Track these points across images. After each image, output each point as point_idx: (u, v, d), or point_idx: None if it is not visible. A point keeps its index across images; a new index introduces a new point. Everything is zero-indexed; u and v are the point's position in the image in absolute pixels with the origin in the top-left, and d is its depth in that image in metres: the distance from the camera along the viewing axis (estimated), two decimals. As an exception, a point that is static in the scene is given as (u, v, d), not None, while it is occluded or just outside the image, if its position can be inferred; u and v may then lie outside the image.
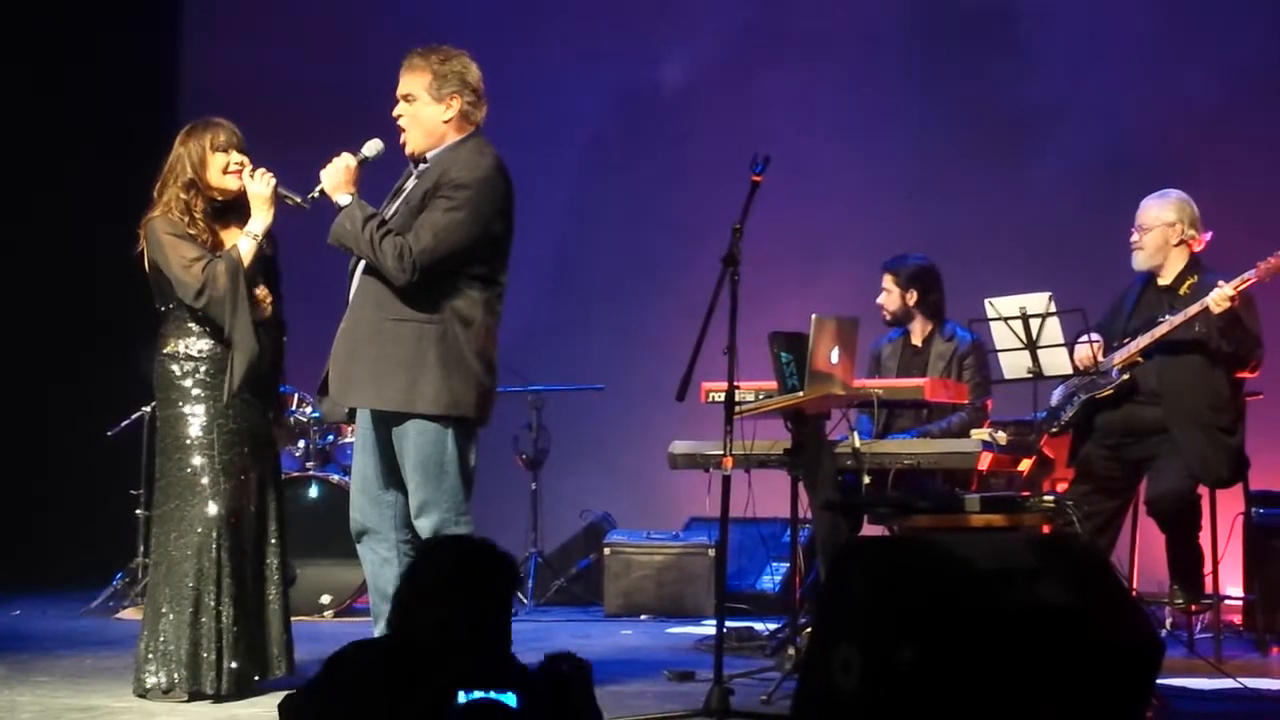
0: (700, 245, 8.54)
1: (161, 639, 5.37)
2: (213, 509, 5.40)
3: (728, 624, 5.87)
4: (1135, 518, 6.84)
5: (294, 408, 8.14)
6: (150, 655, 5.38)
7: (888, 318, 7.31)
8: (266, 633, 5.52)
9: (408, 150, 5.37)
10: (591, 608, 8.34)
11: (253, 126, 9.25)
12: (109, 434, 8.18)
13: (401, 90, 5.35)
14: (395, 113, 5.38)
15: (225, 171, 5.50)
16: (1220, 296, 6.35)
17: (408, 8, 9.58)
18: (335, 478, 7.99)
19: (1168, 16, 8.88)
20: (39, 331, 9.29)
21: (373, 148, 5.40)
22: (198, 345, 5.46)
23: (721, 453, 5.52)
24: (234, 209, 5.53)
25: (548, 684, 3.35)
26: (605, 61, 9.61)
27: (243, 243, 5.44)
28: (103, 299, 8.32)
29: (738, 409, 5.48)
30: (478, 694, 2.81)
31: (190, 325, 5.46)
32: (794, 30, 9.41)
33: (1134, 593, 6.45)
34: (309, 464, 8.12)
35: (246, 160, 5.53)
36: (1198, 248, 6.68)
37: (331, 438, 8.21)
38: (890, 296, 7.28)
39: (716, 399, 6.48)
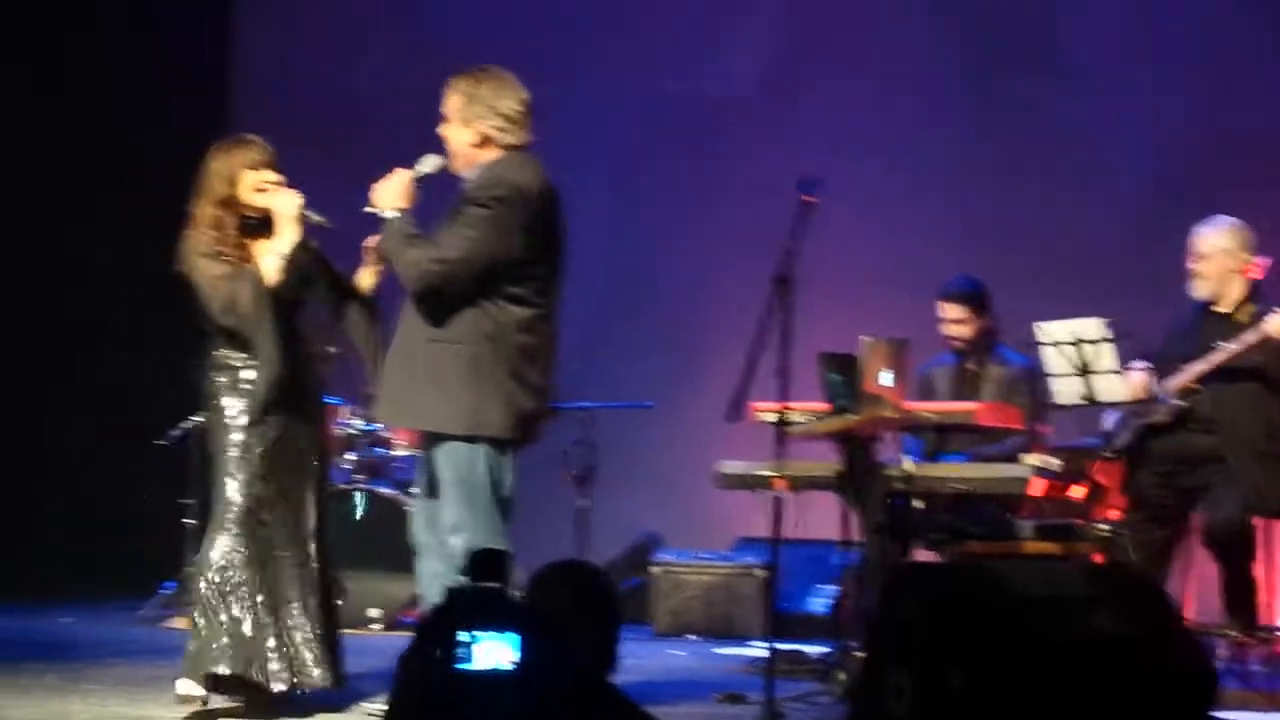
0: (748, 262, 8.53)
1: (200, 648, 5.40)
2: (244, 516, 5.43)
3: (776, 646, 5.84)
4: (1189, 548, 6.78)
5: (343, 420, 8.15)
6: (200, 651, 5.41)
7: (961, 345, 7.23)
8: (294, 640, 5.51)
9: (453, 168, 5.41)
10: (639, 626, 8.32)
11: (303, 133, 9.42)
12: (158, 443, 8.22)
13: (443, 109, 5.41)
14: (440, 130, 5.42)
15: (257, 190, 5.53)
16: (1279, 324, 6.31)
17: (456, 19, 9.59)
18: (384, 490, 7.99)
19: (1216, 36, 8.82)
20: (94, 337, 9.32)
21: (430, 163, 5.43)
22: (239, 356, 5.51)
23: (771, 473, 5.52)
24: (268, 226, 5.57)
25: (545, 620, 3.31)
26: (652, 79, 9.60)
27: (268, 261, 5.49)
28: (163, 309, 8.35)
29: (789, 431, 5.46)
30: (480, 635, 2.80)
31: (231, 338, 5.52)
32: (836, 49, 9.39)
33: (1187, 623, 6.40)
34: (357, 476, 8.12)
35: (279, 179, 5.57)
36: (1255, 274, 6.64)
37: (381, 450, 8.21)
38: (964, 325, 7.20)
39: (766, 419, 6.46)
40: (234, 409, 5.50)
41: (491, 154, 5.33)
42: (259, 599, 5.41)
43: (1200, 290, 6.65)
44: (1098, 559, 6.00)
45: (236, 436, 5.48)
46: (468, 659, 2.79)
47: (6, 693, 5.79)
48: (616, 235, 9.38)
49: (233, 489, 5.46)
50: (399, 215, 5.33)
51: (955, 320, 7.20)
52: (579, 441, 8.52)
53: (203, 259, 5.47)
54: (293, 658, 5.45)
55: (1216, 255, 6.62)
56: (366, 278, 5.68)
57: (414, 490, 5.63)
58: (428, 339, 5.26)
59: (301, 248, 5.55)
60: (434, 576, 5.36)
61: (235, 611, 5.39)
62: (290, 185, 5.57)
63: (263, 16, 10.09)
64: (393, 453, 8.21)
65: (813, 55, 9.38)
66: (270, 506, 5.47)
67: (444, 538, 5.33)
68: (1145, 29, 8.94)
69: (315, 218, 5.57)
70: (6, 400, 9.15)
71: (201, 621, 5.39)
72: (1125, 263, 8.50)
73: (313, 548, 5.57)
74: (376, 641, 7.55)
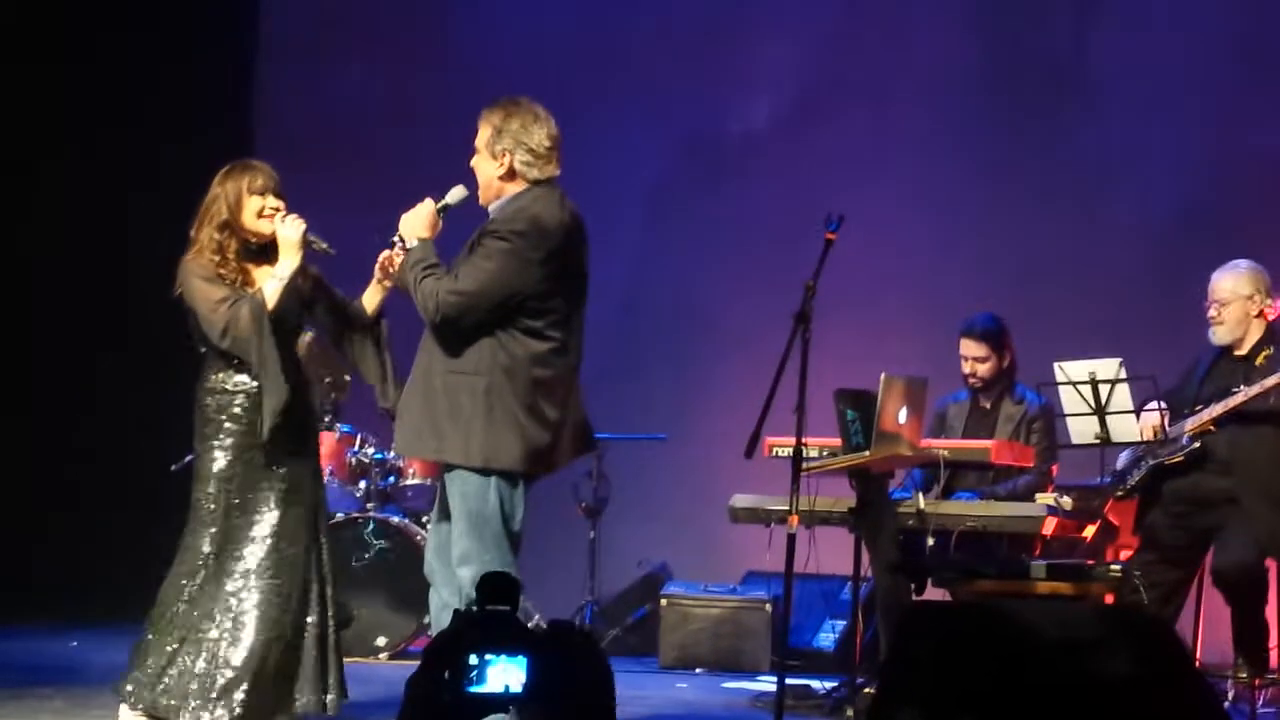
0: (764, 296, 8.55)
1: (147, 671, 5.43)
2: (210, 545, 5.46)
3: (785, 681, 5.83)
4: (1200, 588, 6.76)
5: (356, 448, 8.17)
6: (138, 675, 5.43)
7: (980, 384, 7.21)
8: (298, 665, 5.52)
9: (479, 200, 5.42)
10: (646, 658, 8.30)
11: (324, 154, 9.44)
12: (172, 468, 8.20)
13: (476, 141, 5.41)
14: (471, 162, 5.42)
15: (260, 215, 5.54)
16: None
17: (483, 47, 9.63)
18: (395, 519, 7.99)
19: (1243, 67, 8.81)
20: (130, 355, 9.29)
21: (456, 195, 5.43)
22: (233, 380, 5.52)
23: (783, 508, 5.50)
24: (269, 251, 5.58)
25: (554, 641, 3.30)
26: (670, 111, 9.62)
27: (268, 285, 5.49)
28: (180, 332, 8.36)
29: (804, 466, 5.46)
30: (490, 656, 2.80)
31: (224, 361, 5.52)
32: (860, 79, 9.39)
33: (1197, 664, 6.37)
34: (369, 504, 8.12)
35: (282, 205, 5.57)
36: (1272, 316, 6.62)
37: (393, 479, 8.21)
38: (984, 363, 7.17)
39: (780, 454, 6.46)
40: (222, 434, 5.51)
41: (518, 186, 5.34)
42: (202, 626, 5.42)
43: (1220, 337, 6.63)
44: (1110, 600, 5.97)
45: (221, 464, 5.50)
46: (477, 681, 2.78)
47: (13, 717, 5.78)
48: (632, 267, 9.38)
49: (204, 514, 5.48)
50: (421, 244, 5.34)
51: (976, 358, 7.18)
52: (590, 473, 8.53)
53: (202, 282, 5.47)
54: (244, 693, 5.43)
55: (1236, 301, 6.60)
56: (372, 297, 5.68)
57: (425, 519, 5.62)
58: (444, 370, 5.27)
59: (302, 274, 5.56)
60: (444, 608, 5.34)
61: (180, 637, 5.42)
62: (294, 210, 5.57)
63: (286, 38, 10.11)
64: (405, 481, 8.20)
65: (835, 91, 9.39)
66: (234, 536, 5.48)
67: (453, 569, 5.32)
68: (1171, 56, 8.92)
69: (318, 244, 5.57)
70: (23, 422, 9.14)
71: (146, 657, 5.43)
72: (1148, 292, 8.49)
73: (314, 578, 5.58)
74: (383, 670, 7.54)
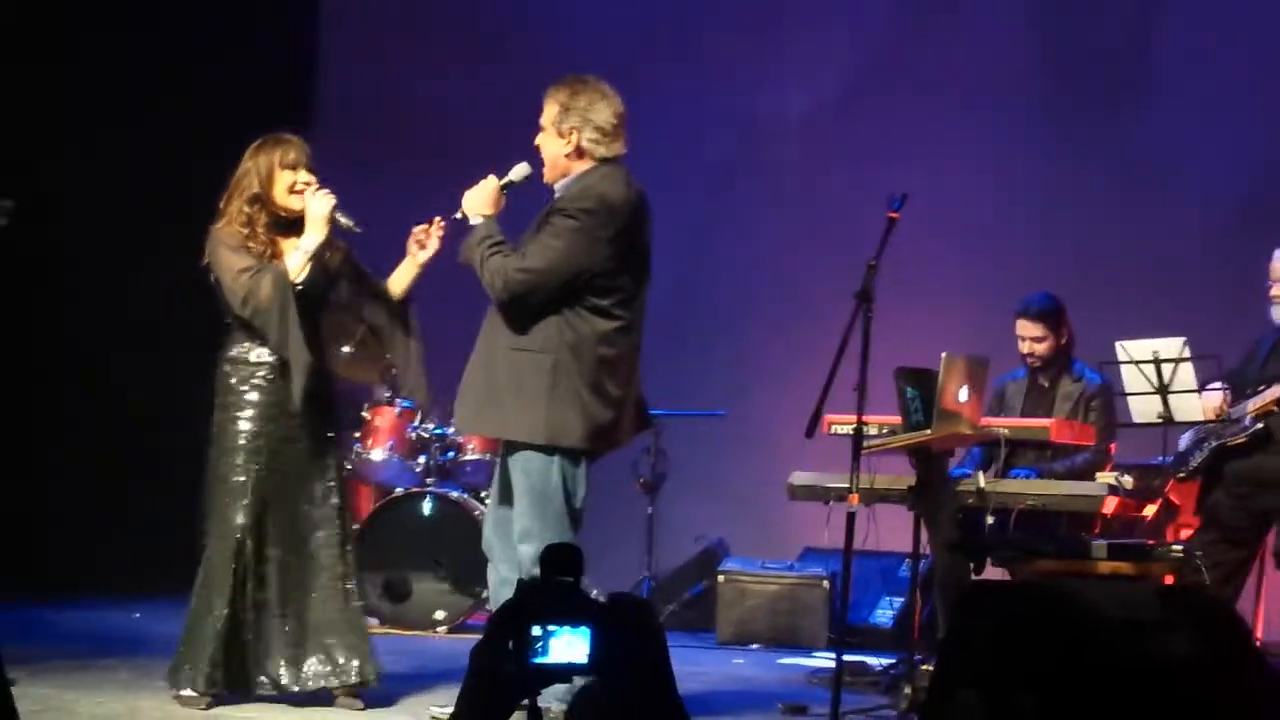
0: (824, 273, 8.53)
1: (200, 642, 5.49)
2: (245, 516, 5.50)
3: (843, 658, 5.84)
4: (1261, 568, 6.72)
5: (416, 423, 8.20)
6: (188, 657, 5.51)
7: (1038, 363, 7.18)
8: (322, 640, 5.59)
9: (544, 178, 5.41)
10: (703, 634, 8.32)
11: (386, 141, 9.45)
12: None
13: (541, 119, 5.40)
14: (536, 140, 5.42)
15: (292, 190, 5.58)
16: None
17: (546, 31, 9.63)
18: (454, 494, 8.03)
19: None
20: (171, 333, 9.32)
21: (519, 172, 5.44)
22: (256, 352, 5.56)
23: (842, 485, 5.49)
24: (299, 226, 5.61)
25: (617, 613, 3.32)
26: (732, 90, 9.60)
27: (292, 257, 5.53)
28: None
29: (864, 445, 5.45)
30: (553, 627, 2.81)
31: (248, 334, 5.56)
32: (923, 64, 9.35)
33: (1258, 643, 6.33)
34: (428, 479, 8.16)
35: (314, 180, 5.60)
36: (1336, 296, 6.57)
37: (452, 454, 8.25)
38: (1042, 343, 7.14)
39: (839, 431, 6.45)
40: (246, 405, 5.54)
41: (584, 164, 5.34)
42: (250, 595, 5.50)
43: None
44: (1170, 580, 5.94)
45: (246, 435, 5.54)
46: (542, 653, 2.80)
47: (76, 688, 5.85)
48: (693, 244, 9.37)
49: (235, 485, 5.52)
50: (485, 221, 5.34)
51: (1033, 338, 7.15)
52: (648, 449, 8.54)
53: (228, 251, 5.51)
54: (291, 655, 5.52)
55: (1299, 281, 6.55)
56: (404, 275, 5.70)
57: (484, 494, 5.65)
58: (509, 347, 5.28)
59: (330, 247, 5.58)
60: (502, 583, 5.38)
61: (228, 608, 5.47)
62: (324, 185, 5.60)
63: (348, 23, 10.13)
64: (463, 457, 8.24)
65: (895, 74, 9.36)
66: (267, 504, 5.53)
67: (514, 545, 5.35)
68: (1233, 45, 8.85)
69: (346, 221, 5.59)
70: (90, 397, 9.19)
71: (210, 619, 5.50)
72: (1207, 281, 8.44)
73: (318, 547, 5.62)
74: (440, 645, 7.60)
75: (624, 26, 9.64)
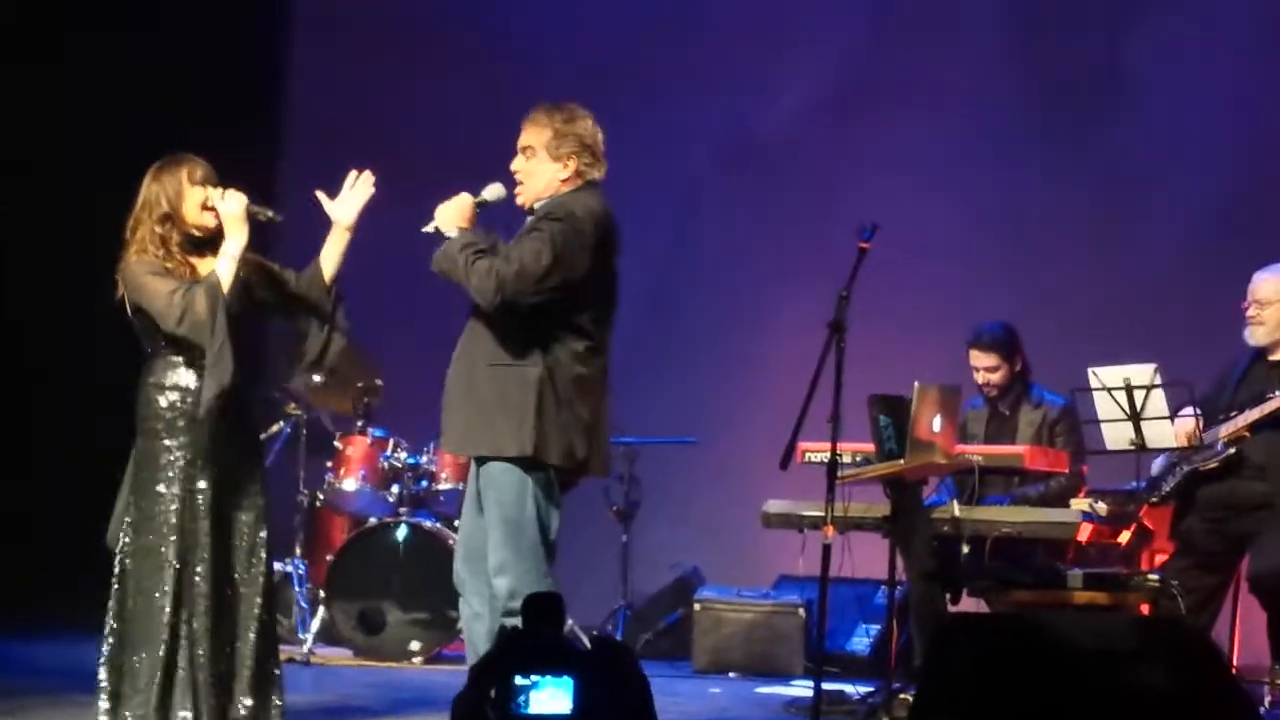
0: (797, 298, 8.54)
1: (132, 679, 5.29)
2: (180, 544, 5.31)
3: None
4: (1236, 594, 6.73)
5: (389, 452, 8.17)
6: (119, 694, 5.30)
7: (995, 393, 7.20)
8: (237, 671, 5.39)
9: (520, 201, 5.39)
10: (679, 662, 8.29)
11: (357, 156, 9.41)
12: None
13: (522, 143, 5.37)
14: (513, 166, 5.40)
15: (204, 208, 5.43)
16: None
17: (517, 47, 9.62)
18: (427, 524, 8.00)
19: (1277, 78, 8.76)
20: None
21: (493, 192, 5.40)
22: (185, 378, 5.38)
23: (817, 514, 5.49)
24: (210, 242, 5.46)
25: (599, 661, 3.30)
26: (704, 112, 9.60)
27: (221, 264, 5.36)
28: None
29: (838, 475, 5.44)
30: (536, 678, 2.80)
31: (176, 359, 5.39)
32: (896, 85, 9.36)
33: (1234, 670, 6.34)
34: (401, 509, 8.13)
35: (220, 193, 5.44)
36: (1309, 322, 6.60)
37: (426, 483, 8.22)
38: (998, 372, 7.16)
39: (813, 459, 6.45)
40: (175, 432, 5.36)
41: (573, 186, 5.34)
42: (188, 629, 5.30)
43: (1256, 337, 6.61)
44: (1146, 609, 5.95)
45: (175, 462, 5.34)
46: (524, 704, 2.78)
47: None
48: (665, 268, 9.38)
49: (164, 513, 5.33)
50: (463, 231, 5.30)
51: (987, 368, 7.17)
52: (622, 477, 8.52)
53: (150, 277, 5.35)
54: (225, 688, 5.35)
55: (1278, 303, 6.56)
56: (333, 246, 5.51)
57: (458, 524, 5.59)
58: (490, 363, 5.23)
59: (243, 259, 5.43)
60: (475, 617, 5.33)
61: (166, 644, 5.28)
62: (231, 186, 5.46)
63: (319, 41, 10.12)
64: (437, 486, 8.21)
65: (870, 96, 9.36)
66: (199, 532, 5.33)
67: (488, 578, 5.27)
68: (1208, 67, 8.88)
69: (263, 213, 5.44)
70: (57, 430, 9.13)
71: (144, 656, 5.30)
72: (1178, 307, 8.45)
73: (259, 578, 5.42)
74: (415, 676, 7.57)
75: (597, 45, 9.64)
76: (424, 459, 8.12)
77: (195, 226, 5.43)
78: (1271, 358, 6.62)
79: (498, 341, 5.22)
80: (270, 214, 5.47)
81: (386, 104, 9.77)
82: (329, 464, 8.22)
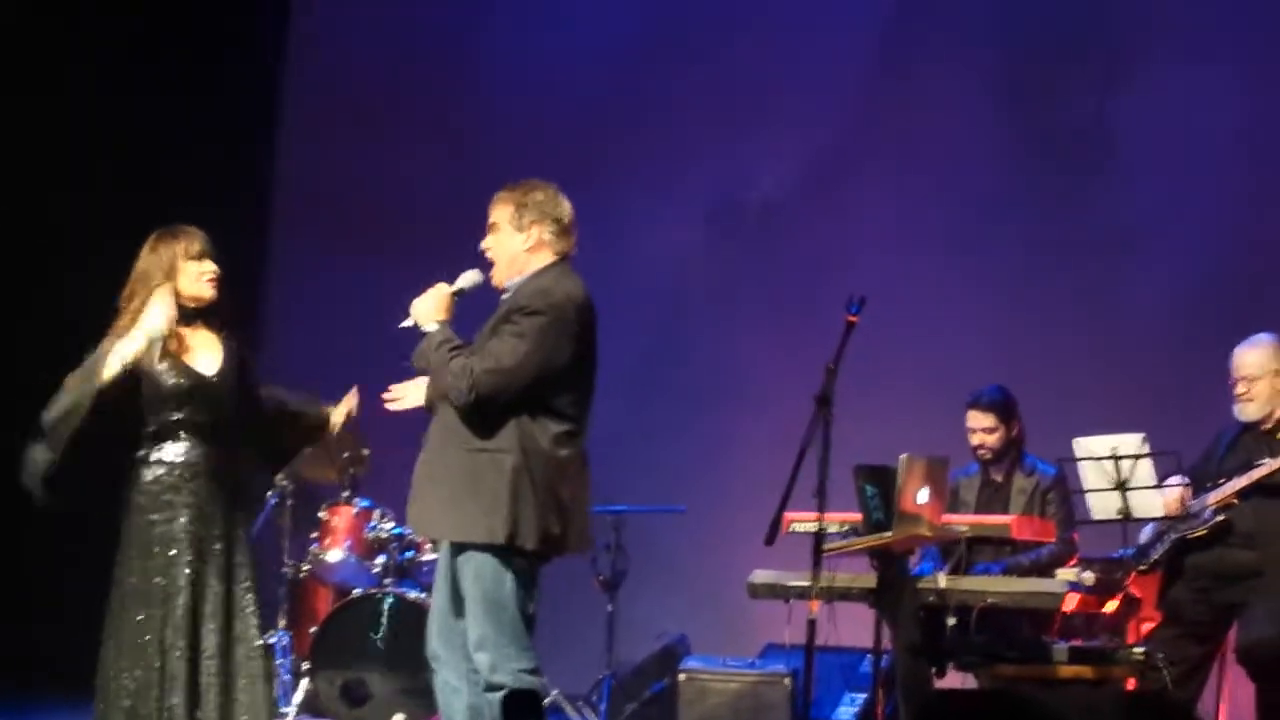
0: (784, 366, 8.54)
1: None
2: (164, 616, 5.34)
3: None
4: (1223, 665, 6.70)
5: (374, 522, 8.14)
6: None
7: (989, 455, 7.19)
8: None
9: (494, 281, 5.41)
10: (666, 733, 8.23)
11: (345, 227, 9.44)
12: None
13: (489, 221, 5.41)
14: (482, 245, 5.42)
15: (200, 280, 5.50)
16: None
17: (506, 120, 9.65)
18: (412, 594, 7.95)
19: (1265, 142, 8.79)
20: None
21: (469, 279, 5.43)
22: (172, 451, 5.43)
23: (803, 584, 5.48)
24: (202, 314, 5.53)
25: None
26: (692, 179, 9.61)
27: (121, 347, 5.39)
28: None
29: (824, 547, 5.44)
30: None
31: (156, 432, 5.44)
32: (884, 151, 9.38)
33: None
34: (386, 580, 8.09)
35: (217, 269, 5.53)
36: (1293, 388, 6.61)
37: (410, 554, 8.18)
38: (995, 434, 7.16)
39: (799, 529, 6.44)
40: (160, 507, 5.39)
41: (540, 261, 5.33)
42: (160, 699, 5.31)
43: (1248, 413, 6.60)
44: (1132, 683, 5.92)
45: (161, 536, 5.38)
46: None
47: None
48: (652, 336, 9.38)
49: (148, 588, 5.36)
50: (440, 326, 5.31)
51: (984, 429, 7.17)
52: (608, 545, 8.48)
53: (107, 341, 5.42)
54: None
55: (1266, 377, 6.58)
56: (336, 417, 5.71)
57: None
58: (465, 448, 5.22)
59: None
60: (452, 691, 5.33)
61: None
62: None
63: (306, 114, 10.14)
64: (422, 556, 8.17)
65: (858, 162, 9.38)
66: (183, 606, 5.36)
67: (468, 653, 5.29)
68: (1195, 130, 8.91)
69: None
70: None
71: None
72: (1169, 376, 8.45)
73: (239, 661, 5.43)
74: (401, 747, 7.52)
75: (588, 115, 9.66)
76: (409, 529, 8.07)
77: (190, 298, 5.49)
78: (1261, 427, 6.61)
79: (476, 427, 5.21)
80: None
81: (372, 179, 9.78)
82: (314, 534, 8.18)
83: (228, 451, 5.49)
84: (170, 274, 5.46)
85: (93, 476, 5.50)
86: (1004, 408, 7.18)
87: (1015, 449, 7.21)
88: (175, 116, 9.32)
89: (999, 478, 7.21)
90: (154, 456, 5.44)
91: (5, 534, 8.14)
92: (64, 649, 7.43)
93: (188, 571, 5.38)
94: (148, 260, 5.50)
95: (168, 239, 5.51)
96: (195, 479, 5.42)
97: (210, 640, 5.38)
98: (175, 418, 5.43)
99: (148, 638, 5.34)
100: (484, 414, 5.19)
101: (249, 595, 5.48)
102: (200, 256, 5.49)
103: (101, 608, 5.48)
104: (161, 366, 5.43)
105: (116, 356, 5.39)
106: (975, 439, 7.20)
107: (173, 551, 5.38)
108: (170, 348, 5.43)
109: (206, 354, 5.53)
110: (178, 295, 5.47)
